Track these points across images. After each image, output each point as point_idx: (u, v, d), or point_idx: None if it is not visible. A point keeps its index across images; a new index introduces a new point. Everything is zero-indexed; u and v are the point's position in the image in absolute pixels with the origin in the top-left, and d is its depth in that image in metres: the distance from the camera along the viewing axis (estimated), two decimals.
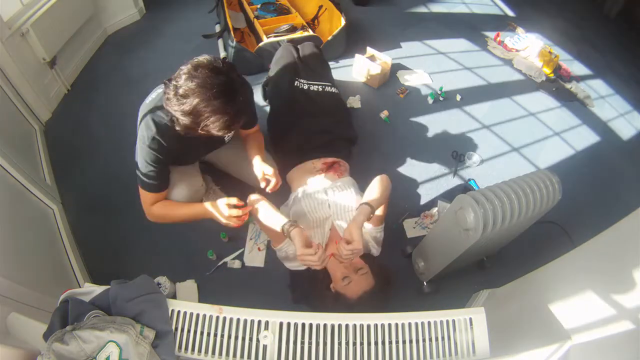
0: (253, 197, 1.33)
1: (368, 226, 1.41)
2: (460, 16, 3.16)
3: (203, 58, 1.03)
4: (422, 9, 3.16)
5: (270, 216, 1.28)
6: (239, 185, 1.66)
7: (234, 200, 1.23)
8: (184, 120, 1.02)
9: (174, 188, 1.37)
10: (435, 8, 3.20)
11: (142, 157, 1.18)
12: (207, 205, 1.26)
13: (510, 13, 3.30)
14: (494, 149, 2.07)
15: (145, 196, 1.25)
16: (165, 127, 1.14)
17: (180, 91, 0.99)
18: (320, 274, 1.37)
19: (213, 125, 1.03)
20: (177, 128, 1.08)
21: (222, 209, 1.22)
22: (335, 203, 1.46)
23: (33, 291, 1.08)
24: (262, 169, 1.38)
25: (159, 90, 1.17)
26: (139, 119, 1.19)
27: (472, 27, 2.97)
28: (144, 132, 1.15)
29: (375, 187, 1.36)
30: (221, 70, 1.02)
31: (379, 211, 1.38)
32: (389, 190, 1.39)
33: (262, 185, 1.39)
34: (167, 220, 1.30)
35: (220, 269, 1.51)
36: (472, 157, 1.98)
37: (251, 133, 1.50)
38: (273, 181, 1.38)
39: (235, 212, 1.22)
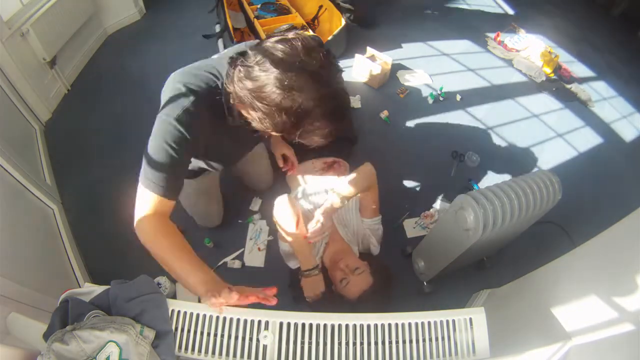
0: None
1: (366, 220, 1.43)
2: (461, 16, 3.16)
3: (310, 37, 0.76)
4: (422, 9, 3.16)
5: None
6: (240, 192, 1.66)
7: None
8: (275, 118, 0.76)
9: (208, 216, 1.43)
10: (436, 8, 3.20)
11: (161, 137, 0.82)
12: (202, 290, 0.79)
13: (511, 13, 3.30)
14: (494, 149, 2.07)
15: (145, 200, 0.84)
16: (206, 101, 0.85)
17: (287, 82, 0.72)
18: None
19: (315, 133, 0.79)
20: (230, 106, 0.84)
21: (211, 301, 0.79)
22: None
23: (33, 291, 1.08)
24: (282, 150, 1.34)
25: (208, 61, 0.90)
26: (165, 88, 0.87)
27: (473, 27, 2.97)
28: (173, 102, 0.82)
29: (352, 175, 1.31)
30: (334, 63, 0.77)
31: (370, 202, 1.38)
32: (371, 179, 1.34)
33: (281, 164, 1.37)
34: (155, 254, 0.85)
35: (220, 269, 1.51)
36: (472, 157, 1.98)
37: None
38: (290, 162, 1.36)
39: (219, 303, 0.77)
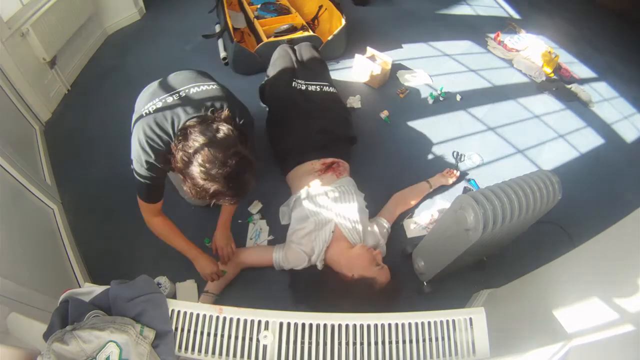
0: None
1: (384, 223, 1.57)
2: (461, 17, 3.17)
3: (224, 138, 0.99)
4: (422, 10, 3.16)
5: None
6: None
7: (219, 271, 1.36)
8: (196, 187, 1.00)
9: None
10: (436, 8, 3.20)
11: (138, 172, 1.13)
12: (198, 255, 1.34)
13: (513, 13, 3.30)
14: (494, 149, 2.07)
15: (144, 205, 1.24)
16: (162, 158, 1.09)
17: (210, 173, 0.96)
18: (321, 275, 1.38)
19: (222, 201, 1.05)
20: (175, 169, 1.06)
21: (208, 269, 1.34)
22: (337, 205, 1.46)
23: (33, 291, 1.08)
24: (216, 241, 1.45)
25: (155, 101, 1.12)
26: (133, 127, 1.12)
27: (473, 27, 2.98)
28: (140, 153, 1.08)
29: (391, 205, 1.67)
30: (243, 154, 1.00)
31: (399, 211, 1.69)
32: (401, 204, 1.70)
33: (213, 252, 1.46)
34: (163, 239, 1.33)
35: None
36: (472, 157, 1.98)
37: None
38: (222, 255, 1.43)
39: (215, 276, 1.35)
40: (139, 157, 1.09)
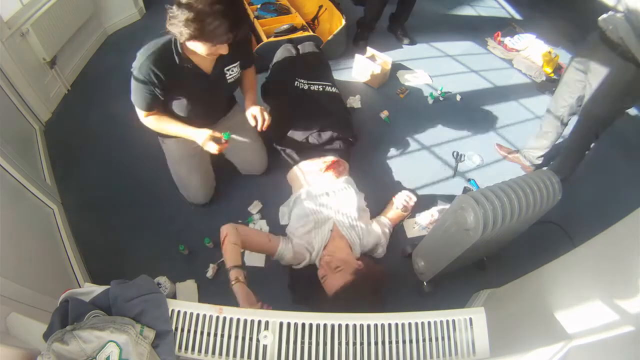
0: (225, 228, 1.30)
1: (387, 221, 1.57)
2: (463, 17, 3.17)
3: None
4: (423, 10, 3.16)
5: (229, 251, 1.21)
6: (234, 179, 1.68)
7: (217, 134, 1.36)
8: (188, 29, 1.09)
9: (190, 185, 1.58)
10: (437, 9, 3.20)
11: (133, 85, 1.26)
12: (197, 131, 1.37)
13: (515, 14, 3.30)
14: (494, 149, 2.07)
15: (139, 111, 1.35)
16: (160, 53, 1.24)
17: (184, 1, 1.07)
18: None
19: (217, 31, 1.11)
20: (179, 51, 1.24)
21: (207, 141, 1.35)
22: (336, 204, 1.46)
23: (33, 291, 1.08)
24: (250, 111, 1.47)
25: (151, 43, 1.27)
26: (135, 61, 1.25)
27: (473, 27, 2.98)
28: (137, 62, 1.24)
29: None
30: None
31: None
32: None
33: (253, 123, 1.47)
34: (157, 130, 1.42)
35: (221, 269, 1.51)
36: (472, 157, 1.98)
37: (248, 72, 1.57)
38: (260, 120, 1.45)
39: (215, 146, 1.36)
40: (135, 69, 1.24)
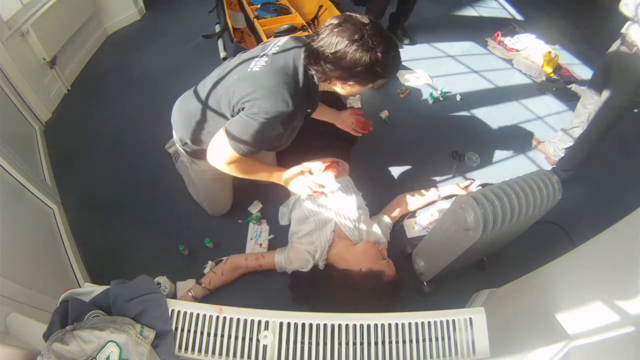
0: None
1: (388, 221, 1.58)
2: (463, 17, 3.17)
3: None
4: (423, 10, 3.16)
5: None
6: (240, 192, 1.67)
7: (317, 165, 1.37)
8: (359, 69, 1.02)
9: (221, 201, 1.59)
10: (437, 9, 3.19)
11: (261, 130, 1.06)
12: (286, 175, 1.27)
13: (516, 14, 3.29)
14: (494, 149, 2.07)
15: (233, 156, 1.14)
16: (300, 96, 1.10)
17: (370, 43, 1.01)
18: (320, 274, 1.37)
19: (393, 71, 1.13)
20: (322, 83, 1.12)
21: (305, 180, 1.26)
22: (337, 205, 1.46)
23: (33, 291, 1.08)
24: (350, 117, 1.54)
25: (260, 62, 1.11)
26: (259, 94, 1.06)
27: (474, 28, 2.97)
28: (276, 106, 1.05)
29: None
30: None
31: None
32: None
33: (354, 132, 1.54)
34: (245, 176, 1.24)
35: None
36: (472, 158, 1.98)
37: None
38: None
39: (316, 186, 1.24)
40: (269, 113, 1.05)
